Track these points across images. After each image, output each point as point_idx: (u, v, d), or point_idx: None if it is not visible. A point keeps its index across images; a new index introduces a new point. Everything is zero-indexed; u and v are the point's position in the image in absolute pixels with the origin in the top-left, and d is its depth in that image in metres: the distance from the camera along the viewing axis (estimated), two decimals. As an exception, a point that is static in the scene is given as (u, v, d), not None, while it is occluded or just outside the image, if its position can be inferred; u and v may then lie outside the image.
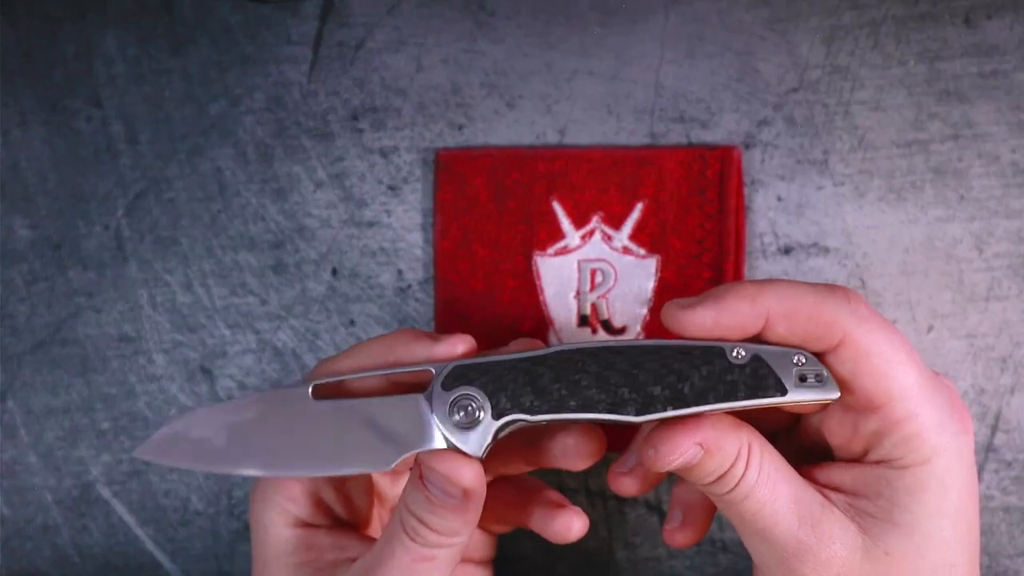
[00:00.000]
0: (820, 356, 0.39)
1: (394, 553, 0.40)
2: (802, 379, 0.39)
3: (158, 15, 0.53)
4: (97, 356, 0.53)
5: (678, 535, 0.45)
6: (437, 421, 0.40)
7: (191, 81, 0.53)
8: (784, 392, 0.39)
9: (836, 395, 0.39)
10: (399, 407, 0.41)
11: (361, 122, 0.52)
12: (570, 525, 0.44)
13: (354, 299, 0.53)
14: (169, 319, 0.53)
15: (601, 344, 0.40)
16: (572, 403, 0.40)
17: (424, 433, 0.41)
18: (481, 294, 0.51)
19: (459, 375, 0.40)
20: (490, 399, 0.40)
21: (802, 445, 0.43)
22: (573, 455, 0.43)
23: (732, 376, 0.39)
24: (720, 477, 0.39)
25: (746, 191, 0.51)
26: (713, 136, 0.51)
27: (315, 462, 0.42)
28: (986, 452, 0.51)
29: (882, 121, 0.51)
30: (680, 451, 0.39)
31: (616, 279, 0.51)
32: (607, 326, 0.51)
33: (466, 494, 0.40)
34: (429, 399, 0.40)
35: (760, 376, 0.39)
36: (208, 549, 0.54)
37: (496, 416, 0.40)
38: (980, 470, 0.51)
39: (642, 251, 0.51)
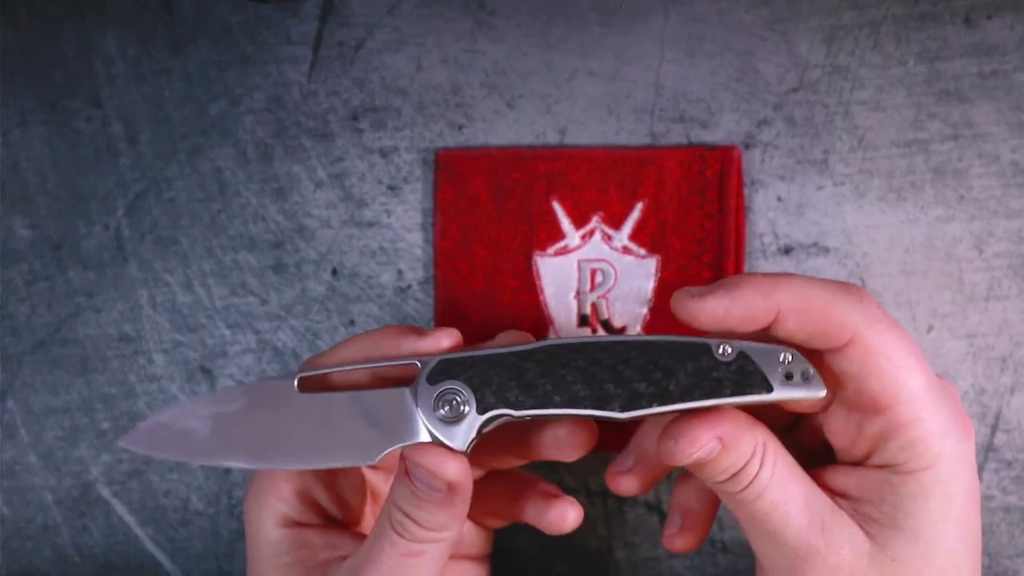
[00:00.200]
0: (828, 354, 0.39)
1: (383, 549, 0.40)
2: (788, 377, 0.39)
3: (158, 15, 0.53)
4: (97, 356, 0.53)
5: (677, 540, 0.45)
6: (422, 415, 0.40)
7: (191, 81, 0.53)
8: (770, 389, 0.39)
9: (823, 393, 0.39)
10: (385, 401, 0.41)
11: (361, 122, 0.52)
12: (564, 515, 0.43)
13: (354, 299, 0.53)
14: (169, 319, 0.53)
15: (588, 339, 0.40)
16: (557, 398, 0.40)
17: (409, 427, 0.41)
18: (481, 294, 0.51)
19: (445, 369, 0.40)
20: (475, 393, 0.40)
21: (802, 445, 0.43)
22: (565, 446, 0.43)
23: (718, 373, 0.39)
24: (734, 475, 0.39)
25: (746, 191, 0.51)
26: (713, 136, 0.51)
27: (300, 455, 0.42)
28: (986, 452, 0.51)
29: (882, 121, 0.51)
30: (700, 444, 0.38)
31: (616, 279, 0.51)
32: (607, 326, 0.51)
33: (451, 488, 0.39)
34: (414, 393, 0.40)
35: (746, 373, 0.39)
36: (208, 549, 0.54)
37: (481, 411, 0.40)
38: (980, 470, 0.51)
39: (642, 251, 0.51)
